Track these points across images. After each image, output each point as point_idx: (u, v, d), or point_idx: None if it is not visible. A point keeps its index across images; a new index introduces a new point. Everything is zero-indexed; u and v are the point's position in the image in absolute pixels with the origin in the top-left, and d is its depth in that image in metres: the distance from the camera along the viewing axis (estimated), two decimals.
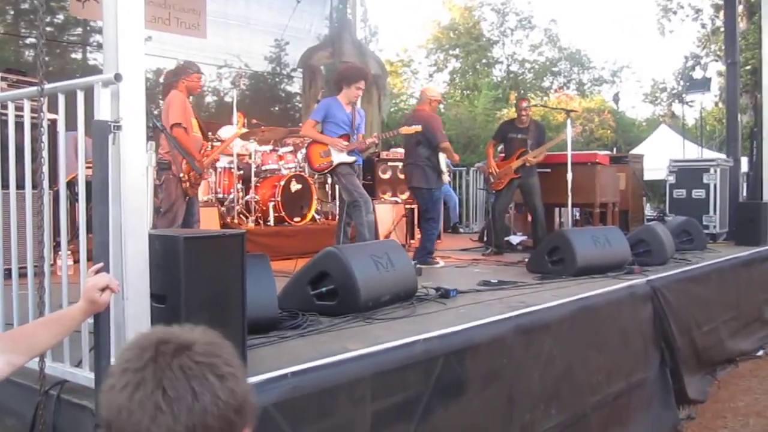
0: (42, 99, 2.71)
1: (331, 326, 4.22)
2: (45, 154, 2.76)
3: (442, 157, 7.71)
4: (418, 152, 7.67)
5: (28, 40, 10.65)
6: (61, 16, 10.53)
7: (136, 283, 2.73)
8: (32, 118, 3.10)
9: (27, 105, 3.09)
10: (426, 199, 7.76)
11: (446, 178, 7.94)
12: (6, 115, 3.38)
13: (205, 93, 12.83)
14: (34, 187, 3.06)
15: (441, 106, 26.92)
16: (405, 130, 7.29)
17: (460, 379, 4.00)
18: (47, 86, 2.74)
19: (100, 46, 10.81)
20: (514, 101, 9.37)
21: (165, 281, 2.88)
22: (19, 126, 3.21)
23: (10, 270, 3.33)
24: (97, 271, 2.56)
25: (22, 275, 3.31)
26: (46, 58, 2.62)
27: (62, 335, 2.50)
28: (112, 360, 2.64)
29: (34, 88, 2.78)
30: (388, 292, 4.78)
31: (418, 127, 7.25)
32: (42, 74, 2.69)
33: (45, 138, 2.73)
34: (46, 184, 2.80)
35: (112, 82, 2.58)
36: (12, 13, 10.65)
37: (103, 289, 2.48)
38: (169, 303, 2.89)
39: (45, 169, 2.76)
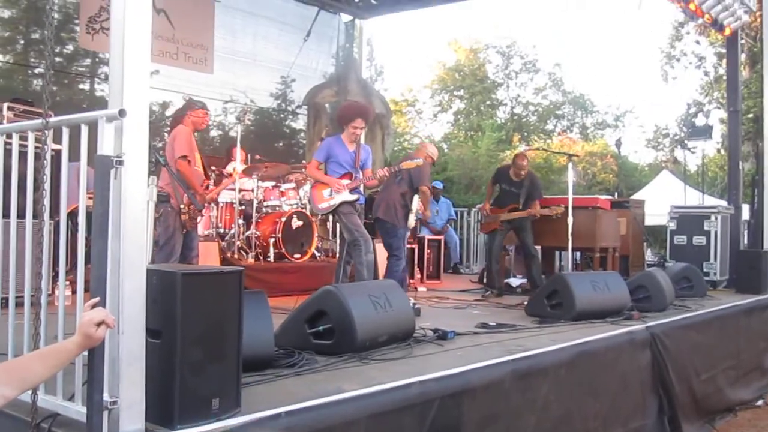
0: (46, 132, 2.73)
1: (327, 365, 4.19)
2: (47, 186, 2.77)
3: (416, 200, 7.75)
4: (393, 188, 7.70)
5: (37, 70, 10.74)
6: (70, 47, 10.63)
7: (133, 317, 2.72)
8: (36, 148, 3.11)
9: (31, 136, 3.11)
10: (389, 233, 7.73)
11: (412, 221, 7.94)
12: (11, 144, 3.40)
13: (210, 128, 12.91)
14: (35, 216, 3.07)
15: (444, 146, 27.23)
16: (407, 164, 7.32)
17: (456, 423, 3.96)
18: (52, 120, 2.76)
19: (107, 78, 10.91)
20: (513, 156, 9.42)
21: (161, 316, 2.87)
22: (22, 156, 3.22)
23: (6, 299, 3.33)
24: (93, 306, 2.56)
25: (19, 304, 3.30)
26: (54, 88, 2.64)
27: (56, 369, 2.50)
28: (105, 395, 2.63)
29: (39, 121, 2.81)
30: (386, 333, 4.76)
31: (420, 161, 7.29)
32: (47, 107, 2.71)
33: (48, 171, 2.75)
34: (47, 216, 2.82)
35: (116, 117, 2.60)
36: (22, 42, 10.76)
37: (98, 324, 2.48)
38: (164, 338, 2.88)
39: (47, 201, 2.78)
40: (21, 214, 3.25)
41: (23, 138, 3.24)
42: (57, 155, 3.25)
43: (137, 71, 2.71)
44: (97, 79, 10.62)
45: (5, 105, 6.23)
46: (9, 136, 3.31)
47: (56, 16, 10.62)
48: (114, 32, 2.74)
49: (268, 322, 4.10)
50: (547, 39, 44.78)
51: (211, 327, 3.02)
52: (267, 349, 4.05)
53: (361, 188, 7.25)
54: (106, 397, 2.63)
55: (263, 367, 3.95)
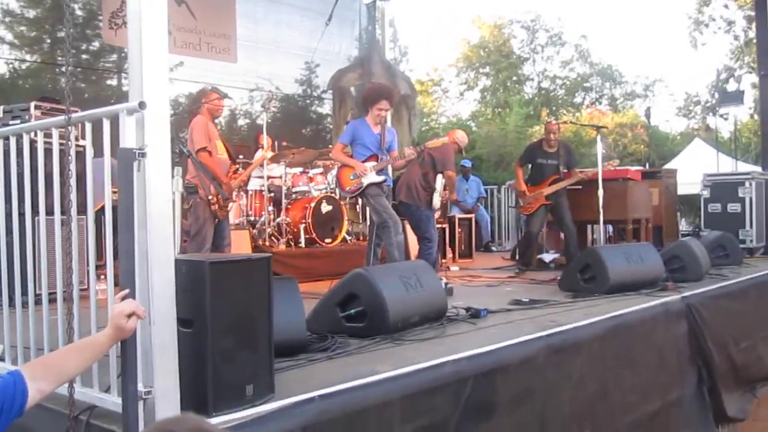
0: (69, 128, 2.76)
1: (360, 348, 4.21)
2: (73, 182, 2.80)
3: (439, 179, 7.68)
4: (414, 169, 7.66)
5: (63, 68, 10.83)
6: (96, 44, 10.72)
7: (163, 308, 2.74)
8: (61, 145, 3.14)
9: (56, 133, 3.14)
10: (413, 216, 7.72)
11: (437, 202, 7.87)
12: (37, 142, 3.44)
13: (237, 116, 12.96)
14: (63, 213, 3.09)
15: (472, 124, 27.07)
16: (432, 143, 7.28)
17: (490, 401, 3.96)
18: (74, 116, 2.78)
19: None
20: (544, 123, 9.25)
21: (191, 306, 2.90)
22: (49, 153, 3.25)
23: (40, 296, 3.37)
24: (123, 298, 2.59)
25: (52, 301, 3.34)
26: (82, 85, 2.67)
27: (90, 362, 2.54)
28: (140, 385, 2.66)
29: (62, 117, 2.83)
30: (418, 313, 4.77)
31: (445, 139, 7.25)
32: (69, 104, 2.73)
33: (73, 167, 2.77)
34: (73, 211, 2.84)
35: (136, 110, 2.62)
36: (48, 41, 10.87)
37: (129, 316, 2.51)
38: (195, 327, 2.91)
39: (73, 196, 2.80)
40: (50, 212, 3.27)
41: (49, 135, 3.27)
42: (84, 151, 3.28)
43: (156, 63, 2.72)
44: (123, 75, 10.68)
45: (32, 104, 6.29)
46: (35, 134, 3.36)
47: (80, 12, 10.74)
48: (131, 25, 2.75)
49: (299, 307, 4.13)
50: (571, 11, 44.26)
51: (242, 314, 3.05)
52: (299, 335, 4.08)
53: (389, 170, 7.22)
54: (140, 387, 2.66)
55: (296, 352, 3.99)
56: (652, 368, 5.39)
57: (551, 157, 8.64)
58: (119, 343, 2.60)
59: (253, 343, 3.09)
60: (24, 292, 3.51)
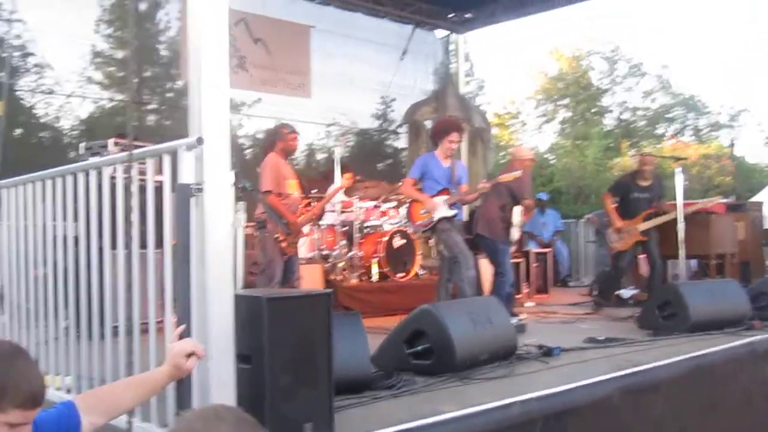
0: (132, 164, 2.79)
1: (425, 386, 4.13)
2: (135, 216, 2.83)
3: (517, 212, 7.52)
4: (490, 201, 7.51)
5: (149, 107, 11.21)
6: (180, 82, 11.04)
7: (221, 343, 2.74)
8: (140, 180, 3.17)
9: (120, 169, 3.18)
10: (490, 249, 7.54)
11: (515, 235, 7.68)
12: (115, 178, 3.49)
13: (315, 150, 13.09)
14: (141, 247, 3.11)
15: (551, 156, 26.74)
16: (504, 177, 7.16)
17: None
18: (136, 151, 2.82)
19: None
20: (638, 157, 8.89)
21: (250, 341, 2.88)
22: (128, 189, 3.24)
23: (116, 327, 3.36)
24: (180, 335, 2.57)
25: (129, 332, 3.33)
26: (167, 122, 2.70)
27: (145, 397, 2.52)
28: None
29: (125, 154, 2.87)
30: (486, 351, 4.65)
31: (518, 173, 7.12)
32: (131, 140, 2.77)
33: (135, 202, 2.80)
34: (135, 245, 2.87)
35: (194, 145, 2.63)
36: (136, 80, 11.25)
37: (188, 355, 2.48)
38: (254, 363, 2.88)
39: (135, 232, 2.83)
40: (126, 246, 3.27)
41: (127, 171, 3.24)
42: (161, 186, 3.27)
43: (215, 99, 2.74)
44: None
45: (111, 141, 6.47)
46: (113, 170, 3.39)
47: (164, 53, 11.10)
48: (192, 61, 2.79)
49: (363, 343, 4.07)
50: (652, 41, 43.45)
51: (301, 350, 3.01)
52: (363, 371, 4.02)
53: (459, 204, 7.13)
54: None
55: (361, 389, 3.93)
56: (739, 413, 5.12)
57: (646, 191, 8.33)
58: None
59: (313, 379, 3.05)
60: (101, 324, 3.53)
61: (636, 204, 8.31)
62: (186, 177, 2.65)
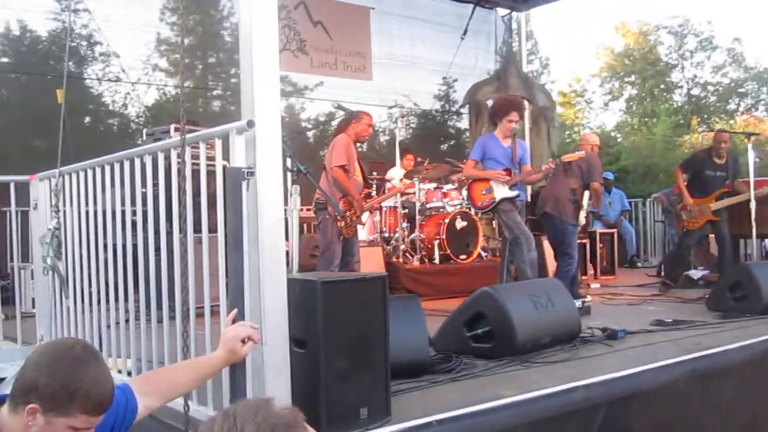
0: (184, 148, 2.79)
1: (485, 370, 4.06)
2: (189, 201, 2.83)
3: (586, 195, 7.33)
4: (561, 181, 7.33)
5: (215, 92, 11.36)
6: None
7: (276, 328, 2.73)
8: (208, 165, 3.13)
9: (173, 154, 3.19)
10: (556, 229, 7.35)
11: (583, 218, 7.48)
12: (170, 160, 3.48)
13: (377, 132, 13.07)
14: (210, 231, 3.10)
15: (618, 135, 26.18)
16: (568, 156, 7.00)
17: (627, 430, 3.71)
18: (189, 136, 2.82)
19: (281, 94, 11.37)
20: (714, 132, 8.54)
21: (304, 326, 2.87)
22: (196, 173, 3.18)
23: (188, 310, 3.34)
24: (233, 319, 2.57)
25: (199, 315, 3.33)
26: (232, 108, 2.70)
27: (200, 381, 2.53)
28: None
29: (178, 139, 2.88)
30: (548, 334, 4.56)
31: (582, 153, 6.97)
32: (183, 124, 2.77)
33: (189, 185, 2.81)
34: (190, 229, 2.88)
35: (245, 129, 2.62)
36: (200, 67, 11.41)
37: (244, 340, 2.48)
38: (309, 347, 2.87)
39: (189, 216, 2.83)
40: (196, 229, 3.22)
41: (195, 156, 3.19)
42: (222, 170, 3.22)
43: (266, 82, 2.72)
44: None
45: (172, 126, 6.55)
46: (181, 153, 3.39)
47: (228, 39, 11.20)
48: (242, 46, 2.77)
49: (422, 326, 4.03)
50: (722, 13, 42.03)
51: (356, 334, 2.99)
52: (422, 355, 3.98)
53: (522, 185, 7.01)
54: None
55: (420, 373, 3.89)
56: None
57: (720, 169, 8.01)
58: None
59: (369, 364, 3.02)
60: (159, 307, 3.56)
61: (710, 182, 8.00)
62: (238, 160, 2.64)
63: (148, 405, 2.33)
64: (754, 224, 7.30)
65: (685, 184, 8.19)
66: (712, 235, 8.49)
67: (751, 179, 7.44)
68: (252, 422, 1.40)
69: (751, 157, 7.65)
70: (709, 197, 7.91)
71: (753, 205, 7.31)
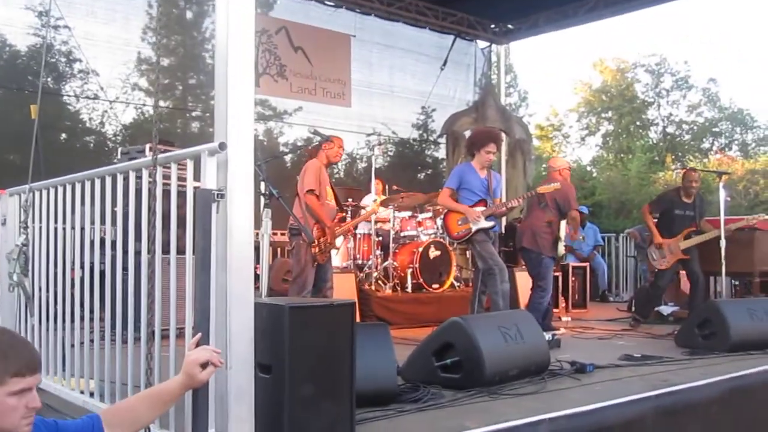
0: (155, 168, 2.78)
1: (453, 401, 4.05)
2: (158, 221, 2.81)
3: (563, 226, 7.38)
4: (536, 214, 7.40)
5: (194, 113, 11.33)
6: None
7: (241, 352, 2.70)
8: (179, 186, 3.12)
9: (145, 173, 3.17)
10: (534, 263, 7.41)
11: (561, 249, 7.53)
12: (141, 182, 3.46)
13: (355, 159, 13.09)
14: (178, 252, 3.07)
15: (593, 169, 26.43)
16: (543, 188, 7.07)
17: None
18: (161, 156, 2.81)
19: (260, 118, 11.39)
20: (683, 172, 8.60)
21: (270, 351, 2.85)
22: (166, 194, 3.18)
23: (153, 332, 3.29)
24: (197, 343, 2.52)
25: (165, 337, 3.27)
26: (211, 130, 2.69)
27: (163, 410, 2.48)
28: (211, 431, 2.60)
29: (149, 158, 2.86)
30: (517, 366, 4.55)
31: (557, 185, 7.02)
32: (156, 143, 2.76)
33: (159, 205, 2.79)
34: (158, 250, 2.85)
35: (217, 151, 2.61)
36: (180, 88, 11.39)
37: (204, 365, 2.42)
38: (274, 373, 2.85)
39: (157, 234, 2.81)
40: (165, 251, 3.20)
41: (167, 177, 3.18)
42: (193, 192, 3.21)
43: (240, 104, 2.72)
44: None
45: (147, 146, 6.52)
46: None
47: (210, 61, 11.19)
48: (218, 67, 2.77)
49: (390, 355, 4.01)
50: (699, 53, 42.74)
51: (323, 361, 2.97)
52: (389, 384, 3.95)
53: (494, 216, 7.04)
54: None
55: (386, 401, 3.87)
56: None
57: (689, 208, 8.08)
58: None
59: (334, 391, 3.00)
60: (125, 328, 3.51)
61: (678, 221, 8.08)
62: (209, 182, 2.62)
63: None
64: (723, 262, 7.36)
65: (655, 222, 8.27)
66: (683, 272, 8.55)
67: (722, 218, 7.53)
68: None
69: (722, 195, 7.75)
70: (678, 236, 7.98)
71: (723, 243, 7.39)
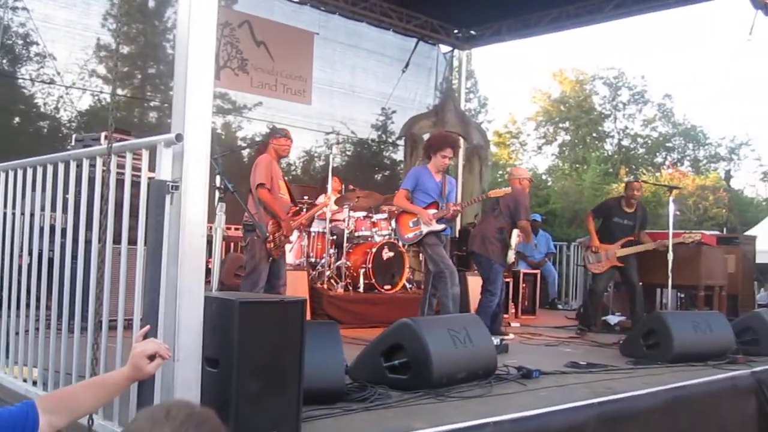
0: (110, 156, 2.75)
1: (400, 401, 4.06)
2: (111, 209, 2.78)
3: (515, 234, 7.48)
4: (489, 221, 7.51)
5: (153, 103, 11.19)
6: None
7: (189, 344, 2.69)
8: (134, 176, 3.09)
9: (99, 162, 3.13)
10: (484, 268, 7.53)
11: (511, 256, 7.64)
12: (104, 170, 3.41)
13: (313, 157, 13.07)
14: (130, 243, 3.04)
15: (548, 178, 26.78)
16: (494, 192, 7.17)
17: None
18: (116, 145, 2.78)
19: (219, 111, 11.31)
20: (625, 182, 8.87)
21: (219, 345, 2.83)
22: (120, 183, 3.14)
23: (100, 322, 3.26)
24: (145, 335, 2.50)
25: (112, 328, 3.24)
26: (169, 120, 2.67)
27: (106, 400, 2.46)
28: None
29: (104, 146, 2.83)
30: (464, 369, 4.59)
31: (508, 189, 7.11)
32: (111, 133, 2.73)
33: (111, 194, 2.76)
34: (109, 238, 2.82)
35: (173, 142, 2.59)
36: (139, 77, 11.24)
37: (151, 357, 2.40)
38: (221, 368, 2.83)
39: (109, 223, 2.78)
40: (117, 241, 3.16)
41: (121, 166, 3.15)
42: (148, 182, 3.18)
43: (198, 96, 2.70)
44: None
45: (102, 134, 6.42)
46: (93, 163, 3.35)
47: (170, 51, 11.07)
48: (178, 59, 2.75)
49: (339, 354, 4.02)
50: (656, 69, 43.54)
51: (271, 357, 2.97)
52: (337, 382, 3.96)
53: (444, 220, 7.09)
54: None
55: (334, 400, 3.87)
56: None
57: (628, 218, 8.34)
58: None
59: (281, 388, 3.00)
60: (71, 317, 3.48)
61: (617, 229, 8.35)
62: (164, 173, 2.61)
63: (53, 423, 2.25)
64: (670, 275, 7.52)
65: (597, 229, 8.46)
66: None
67: (670, 231, 7.69)
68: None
69: (672, 209, 7.92)
70: (615, 243, 8.20)
71: (671, 256, 7.55)
